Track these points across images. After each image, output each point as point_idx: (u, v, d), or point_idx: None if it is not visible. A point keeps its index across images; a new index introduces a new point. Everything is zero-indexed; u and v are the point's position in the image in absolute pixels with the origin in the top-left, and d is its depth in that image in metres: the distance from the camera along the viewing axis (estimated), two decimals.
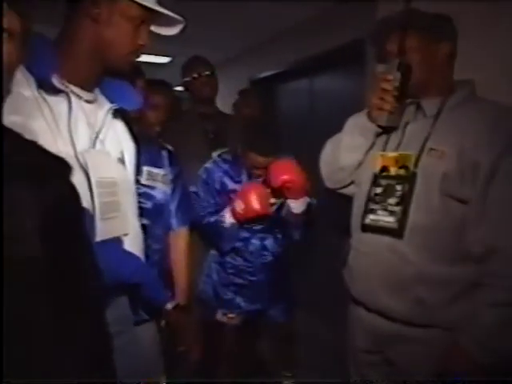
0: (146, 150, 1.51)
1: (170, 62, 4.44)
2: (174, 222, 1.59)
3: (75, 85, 0.96)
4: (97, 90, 1.05)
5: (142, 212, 1.43)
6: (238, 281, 2.02)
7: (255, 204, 1.77)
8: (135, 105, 1.12)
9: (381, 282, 1.22)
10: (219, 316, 2.04)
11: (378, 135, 1.28)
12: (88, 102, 1.00)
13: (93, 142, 0.97)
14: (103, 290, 0.76)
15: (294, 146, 2.54)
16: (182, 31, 1.10)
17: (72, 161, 0.88)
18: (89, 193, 0.91)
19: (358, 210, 1.30)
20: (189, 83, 2.33)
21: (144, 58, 4.47)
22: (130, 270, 1.04)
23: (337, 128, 2.46)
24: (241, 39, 3.82)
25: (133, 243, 1.09)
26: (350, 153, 1.32)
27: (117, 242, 1.01)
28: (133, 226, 1.11)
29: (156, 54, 4.23)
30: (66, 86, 0.94)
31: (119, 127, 1.13)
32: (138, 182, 1.45)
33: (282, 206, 1.94)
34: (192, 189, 1.92)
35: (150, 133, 1.72)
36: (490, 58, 1.40)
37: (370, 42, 1.59)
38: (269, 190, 1.85)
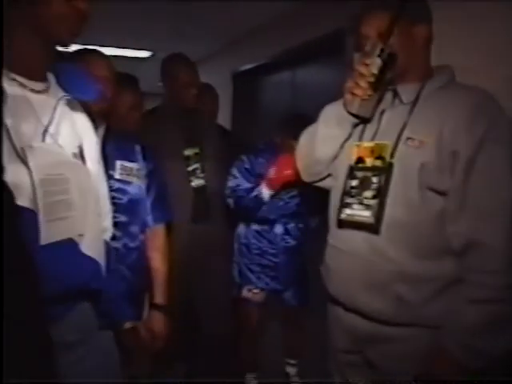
0: (118, 144, 1.46)
1: (152, 56, 4.34)
2: (149, 219, 1.53)
3: (19, 74, 0.87)
4: (52, 80, 0.96)
5: (118, 208, 1.38)
6: (263, 261, 2.23)
7: (286, 168, 1.95)
8: (91, 95, 1.03)
9: (359, 281, 1.16)
10: (245, 292, 2.26)
11: (356, 125, 1.21)
12: (36, 92, 0.90)
13: (41, 136, 0.89)
14: (40, 296, 0.69)
15: None
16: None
17: (11, 157, 0.80)
18: (33, 192, 0.83)
19: (335, 205, 1.24)
20: (169, 83, 2.22)
21: (125, 53, 4.35)
22: (86, 274, 0.97)
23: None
24: (221, 33, 3.74)
25: (92, 245, 1.00)
26: (326, 144, 1.25)
27: (71, 243, 0.93)
28: (92, 226, 1.02)
29: (137, 49, 4.14)
30: (9, 77, 0.85)
31: (80, 120, 1.04)
32: (111, 177, 1.39)
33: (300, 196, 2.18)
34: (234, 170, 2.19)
35: (126, 130, 1.65)
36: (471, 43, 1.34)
37: (350, 30, 1.53)
38: None
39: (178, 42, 4.06)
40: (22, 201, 0.80)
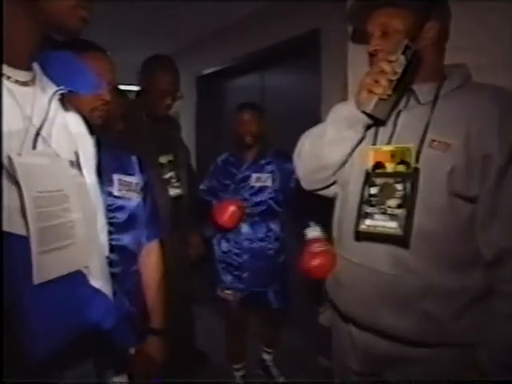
0: (114, 154, 1.26)
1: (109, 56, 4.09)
2: (144, 235, 1.34)
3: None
4: (37, 69, 0.77)
5: (116, 229, 1.19)
6: (229, 261, 2.29)
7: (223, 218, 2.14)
8: (91, 87, 0.84)
9: (379, 297, 1.06)
10: (219, 292, 2.33)
11: (368, 128, 1.11)
12: (21, 83, 0.71)
13: (32, 142, 0.69)
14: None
15: None
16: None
17: None
18: (23, 214, 0.64)
19: (348, 215, 1.12)
20: (145, 85, 2.03)
21: None
22: (98, 314, 0.78)
23: (290, 125, 2.31)
24: (184, 33, 3.58)
25: (100, 275, 0.83)
26: (336, 148, 1.14)
27: (76, 276, 0.74)
28: (98, 251, 0.84)
29: None
30: None
31: (73, 120, 0.85)
32: (110, 194, 1.20)
33: (273, 196, 2.27)
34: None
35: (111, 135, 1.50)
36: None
37: (351, 27, 1.44)
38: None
39: (137, 42, 3.85)
40: (11, 226, 0.61)
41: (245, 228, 2.25)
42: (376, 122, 1.09)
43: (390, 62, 1.00)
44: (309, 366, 2.51)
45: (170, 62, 2.05)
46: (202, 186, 2.43)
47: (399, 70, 1.00)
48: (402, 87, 1.05)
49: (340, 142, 1.13)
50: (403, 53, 1.00)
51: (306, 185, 1.29)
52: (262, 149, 2.31)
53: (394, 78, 1.01)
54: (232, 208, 2.14)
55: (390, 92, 1.02)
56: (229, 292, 2.29)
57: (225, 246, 2.30)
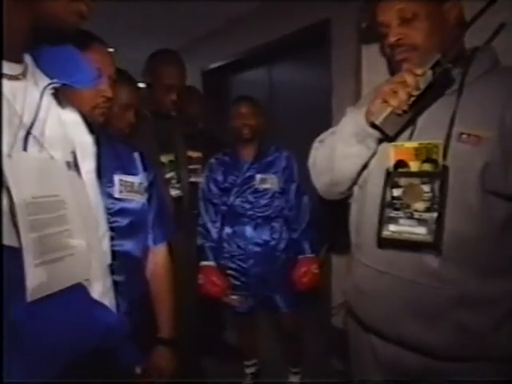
0: (114, 153, 1.16)
1: (113, 52, 4.01)
2: (150, 238, 1.26)
3: None
4: (29, 61, 0.70)
5: (118, 233, 1.09)
6: (232, 265, 2.13)
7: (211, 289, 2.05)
8: (88, 80, 0.76)
9: (405, 307, 0.97)
10: (224, 297, 2.16)
11: (381, 142, 1.02)
12: (11, 77, 0.64)
13: (23, 142, 0.63)
14: None
15: None
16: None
17: None
18: (14, 222, 0.58)
19: (368, 218, 1.03)
20: (148, 80, 1.95)
21: None
22: (100, 330, 0.71)
23: (300, 121, 2.19)
24: (190, 27, 3.49)
25: (102, 286, 0.77)
26: (347, 164, 1.06)
27: (77, 290, 0.68)
28: (99, 260, 0.78)
29: None
30: None
31: (68, 116, 0.78)
32: (110, 196, 1.10)
33: (277, 197, 2.09)
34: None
35: (117, 134, 1.42)
36: None
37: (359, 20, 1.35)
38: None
39: (142, 38, 3.78)
40: (1, 236, 0.55)
41: (249, 231, 2.09)
42: (384, 135, 0.99)
43: (415, 75, 0.90)
44: (323, 369, 2.44)
45: (175, 55, 1.96)
46: (200, 221, 2.15)
47: (423, 87, 0.90)
48: (420, 106, 0.95)
49: (350, 158, 1.04)
50: (432, 68, 0.90)
51: (323, 195, 1.21)
52: (261, 146, 2.15)
53: (415, 93, 0.91)
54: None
55: (405, 108, 0.92)
56: (235, 298, 2.16)
57: (228, 249, 2.14)
